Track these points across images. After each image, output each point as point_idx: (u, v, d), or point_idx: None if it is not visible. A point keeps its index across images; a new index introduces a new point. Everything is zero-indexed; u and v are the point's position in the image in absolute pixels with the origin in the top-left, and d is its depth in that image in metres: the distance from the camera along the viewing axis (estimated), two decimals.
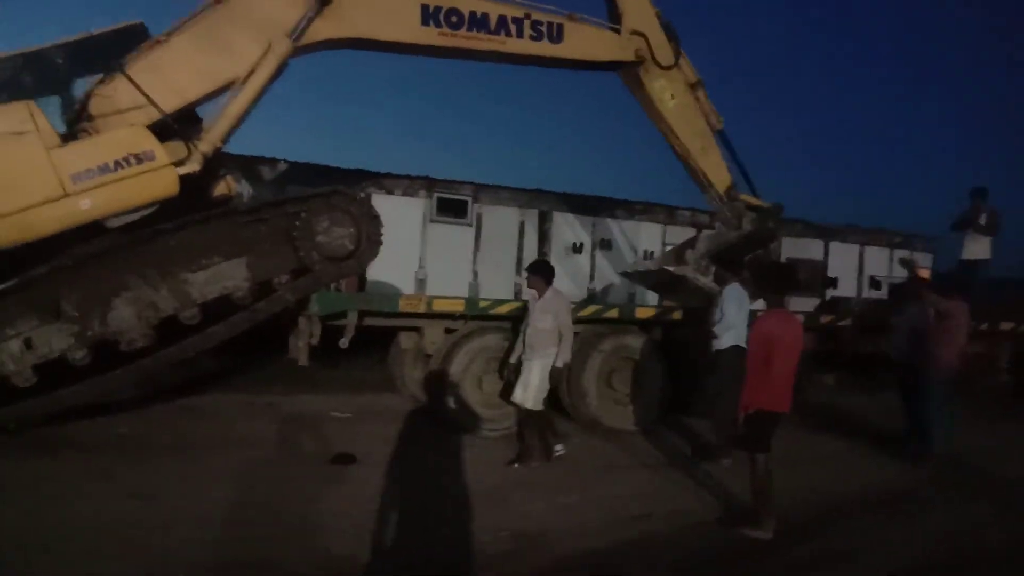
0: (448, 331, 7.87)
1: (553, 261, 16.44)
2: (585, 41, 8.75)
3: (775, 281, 5.29)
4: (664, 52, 8.95)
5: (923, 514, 5.95)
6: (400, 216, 15.33)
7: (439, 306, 7.61)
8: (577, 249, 16.79)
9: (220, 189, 8.00)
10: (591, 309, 8.21)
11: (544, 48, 8.63)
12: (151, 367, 6.75)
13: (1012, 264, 15.52)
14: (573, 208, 16.71)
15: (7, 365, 6.15)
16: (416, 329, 8.00)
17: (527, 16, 8.51)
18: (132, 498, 5.23)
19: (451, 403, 7.54)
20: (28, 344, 6.23)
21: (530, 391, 6.61)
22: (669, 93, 9.06)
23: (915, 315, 7.81)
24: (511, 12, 8.45)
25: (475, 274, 15.93)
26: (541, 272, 6.85)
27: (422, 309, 7.49)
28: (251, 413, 8.25)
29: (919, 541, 5.30)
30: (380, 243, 7.66)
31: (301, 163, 14.79)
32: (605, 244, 16.88)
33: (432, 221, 15.70)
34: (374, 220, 7.58)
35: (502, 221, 16.23)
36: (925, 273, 16.54)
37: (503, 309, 7.78)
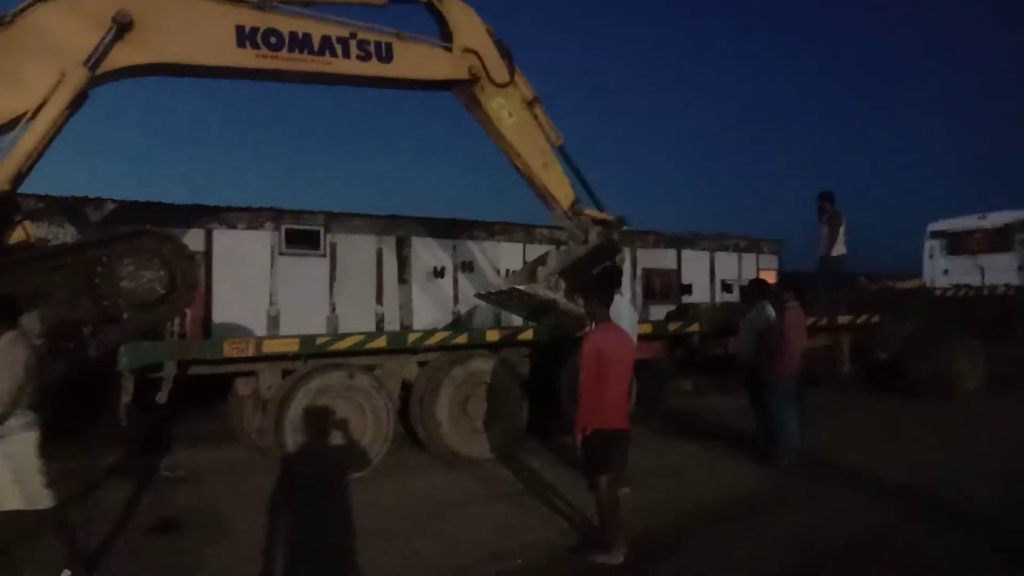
0: (287, 372, 7.30)
1: (415, 287, 16.27)
2: (416, 60, 8.48)
3: (602, 293, 5.13)
4: (498, 69, 8.82)
5: (778, 516, 5.95)
6: (246, 251, 14.58)
7: (270, 348, 7.01)
8: (439, 273, 16.54)
9: (16, 236, 7.12)
10: (439, 336, 7.85)
11: (374, 68, 8.28)
12: None
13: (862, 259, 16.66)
14: (432, 232, 16.45)
15: None
16: (251, 373, 7.36)
17: (353, 35, 8.13)
18: None
19: (290, 449, 6.95)
20: None
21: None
22: (507, 111, 8.93)
23: (755, 317, 7.99)
24: (335, 32, 8.04)
25: (333, 306, 15.31)
26: None
27: (251, 352, 6.86)
28: (70, 478, 7.32)
29: (775, 545, 5.26)
30: (195, 286, 7.01)
31: (130, 202, 13.76)
32: (467, 266, 16.71)
33: (281, 254, 14.98)
34: (188, 260, 6.91)
35: (358, 249, 15.73)
36: (769, 276, 17.47)
37: (343, 345, 7.28)
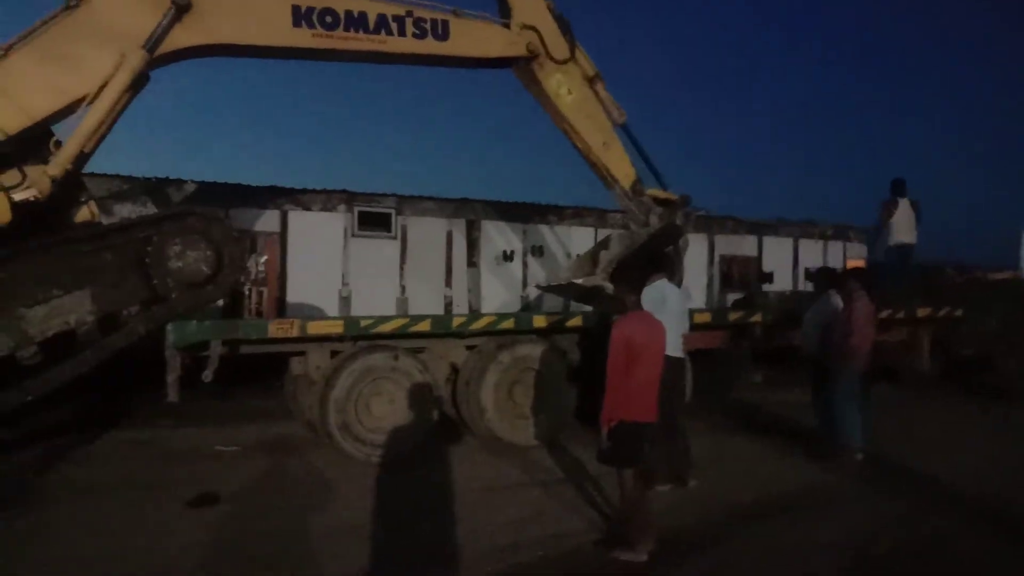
0: (335, 353, 7.31)
1: (484, 270, 16.20)
2: (473, 37, 8.31)
3: (632, 281, 4.84)
4: (558, 46, 8.57)
5: (823, 518, 5.57)
6: (319, 232, 14.84)
7: (315, 329, 7.02)
8: (508, 257, 16.41)
9: (82, 215, 7.39)
10: (485, 321, 7.70)
11: (429, 46, 8.17)
12: None
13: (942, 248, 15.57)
14: (502, 215, 16.32)
15: None
16: (303, 353, 7.42)
17: (409, 14, 8.04)
18: None
19: (335, 429, 6.97)
20: None
21: None
22: (566, 88, 8.67)
23: (821, 308, 7.49)
24: (391, 10, 7.96)
25: (403, 288, 15.42)
26: None
27: (295, 333, 6.90)
28: (130, 452, 7.62)
29: (812, 550, 4.89)
30: (243, 266, 7.09)
31: (210, 182, 14.20)
32: (537, 251, 16.51)
33: (354, 236, 15.18)
34: (235, 241, 6.99)
35: (428, 232, 15.76)
36: (859, 263, 16.49)
37: (388, 327, 7.23)
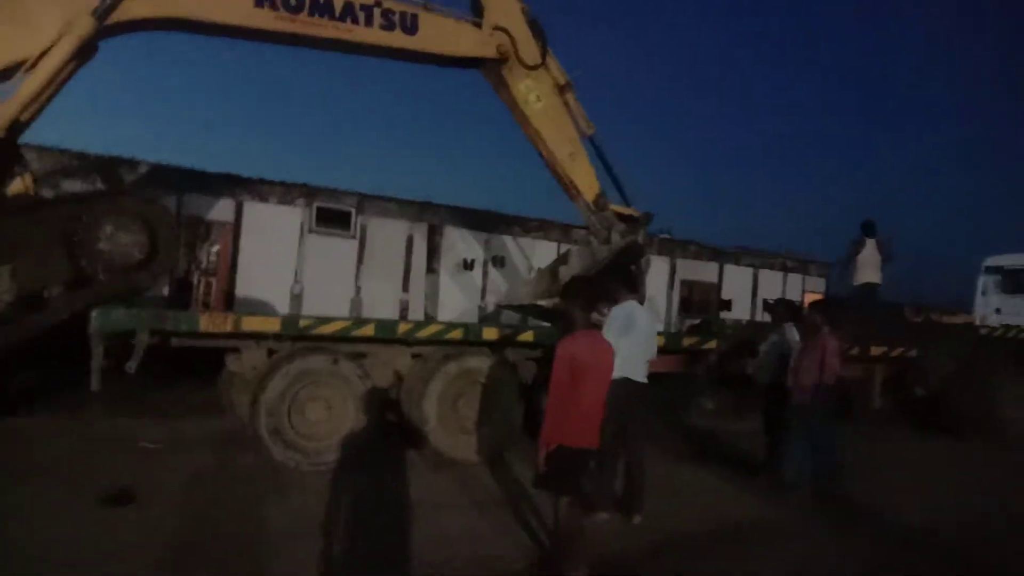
0: (272, 353, 6.92)
1: (443, 277, 15.88)
2: (442, 34, 8.07)
3: (581, 297, 4.55)
4: (529, 51, 8.37)
5: (769, 551, 5.34)
6: (275, 226, 14.42)
7: (250, 326, 6.61)
8: (469, 265, 16.14)
9: (15, 188, 6.93)
10: (432, 329, 7.36)
11: (397, 39, 7.90)
12: None
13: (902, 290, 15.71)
14: (466, 223, 16.06)
15: None
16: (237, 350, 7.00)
17: (378, 3, 7.78)
18: None
19: (264, 432, 6.57)
20: None
21: None
22: (535, 95, 8.47)
23: (778, 340, 7.35)
24: None
25: (358, 289, 15.04)
26: None
27: (229, 328, 6.48)
28: (57, 437, 7.20)
29: None
30: (177, 254, 6.68)
31: (164, 165, 13.72)
32: (499, 261, 16.29)
33: (311, 232, 14.77)
34: (169, 226, 6.59)
35: (389, 234, 15.44)
36: (817, 297, 16.54)
37: (328, 329, 6.85)
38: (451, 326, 7.44)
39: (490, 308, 15.70)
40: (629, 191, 8.93)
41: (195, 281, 14.32)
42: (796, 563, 5.19)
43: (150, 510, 5.39)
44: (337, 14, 7.63)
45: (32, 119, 6.85)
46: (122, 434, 7.55)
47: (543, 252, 16.12)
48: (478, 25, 8.23)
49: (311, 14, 7.53)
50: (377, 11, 7.78)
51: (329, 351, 6.85)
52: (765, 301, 17.50)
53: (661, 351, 7.84)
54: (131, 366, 6.21)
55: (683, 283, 17.46)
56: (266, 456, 6.64)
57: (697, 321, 12.52)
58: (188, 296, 13.95)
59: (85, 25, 6.55)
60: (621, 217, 8.69)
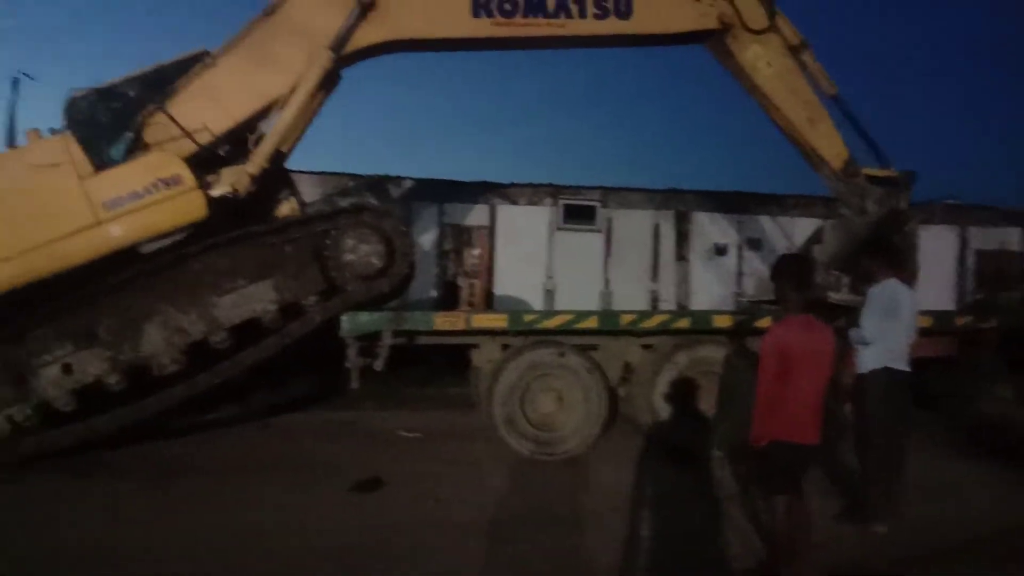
0: (505, 347, 7.18)
1: (694, 264, 15.33)
2: (658, 12, 7.76)
3: (794, 276, 4.03)
4: (755, 15, 7.74)
5: None
6: (526, 226, 14.97)
7: (479, 323, 6.92)
8: (721, 250, 15.40)
9: (283, 210, 7.93)
10: (657, 319, 7.10)
11: (611, 26, 7.77)
12: (182, 394, 6.68)
13: None
14: (716, 206, 15.36)
15: (47, 390, 6.38)
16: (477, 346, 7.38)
17: None
18: (127, 523, 5.15)
19: (500, 422, 6.83)
20: (66, 369, 6.43)
21: None
22: (764, 60, 7.81)
23: None
24: None
25: (607, 282, 15.08)
26: None
27: (461, 326, 6.85)
28: (322, 432, 8.10)
29: None
30: (412, 260, 7.18)
31: (426, 179, 14.88)
32: (754, 243, 15.32)
33: (559, 229, 15.11)
34: (404, 236, 7.11)
35: (634, 224, 15.27)
36: None
37: (552, 323, 6.93)
38: (678, 315, 7.18)
39: (749, 292, 14.85)
40: (890, 151, 7.85)
41: (460, 284, 15.41)
42: None
43: (394, 495, 5.86)
44: (551, 11, 7.66)
45: (291, 149, 7.78)
46: (381, 426, 8.31)
47: (804, 231, 14.82)
48: None
49: (525, 15, 7.64)
50: (589, 1, 7.69)
51: (557, 344, 6.93)
52: None
53: (930, 332, 6.82)
54: (379, 364, 6.82)
55: (978, 254, 15.03)
56: (503, 445, 6.90)
57: (980, 296, 10.66)
58: (455, 298, 15.01)
59: (324, 58, 7.24)
60: (876, 182, 7.68)
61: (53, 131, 6.71)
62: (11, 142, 6.71)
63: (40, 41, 44.37)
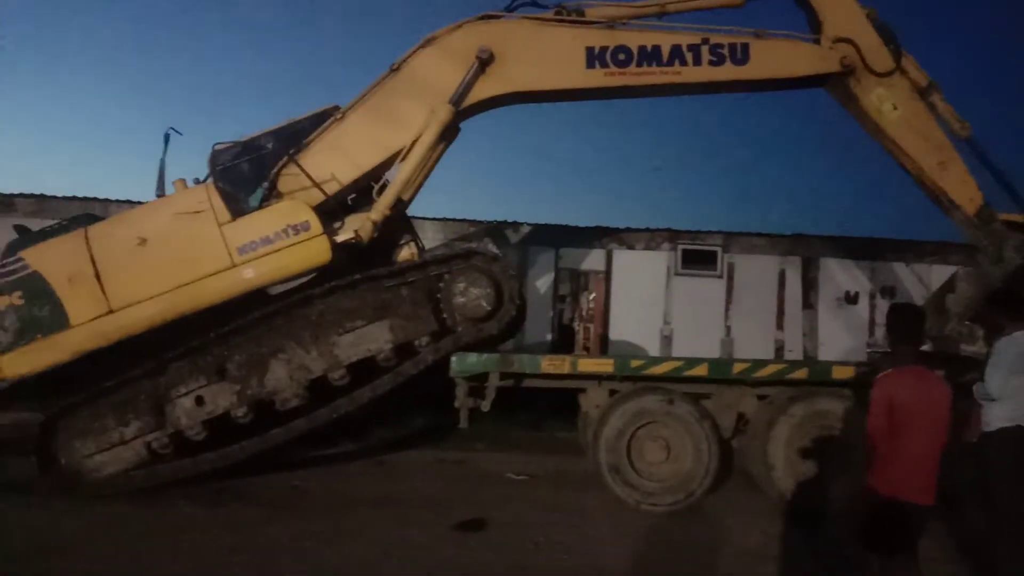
0: (613, 393, 7.16)
1: (822, 312, 14.67)
2: (776, 58, 7.68)
3: (903, 326, 3.83)
4: (879, 57, 7.50)
5: None
6: (642, 271, 14.88)
7: (585, 367, 6.95)
8: (852, 299, 14.66)
9: (403, 255, 8.30)
10: (772, 369, 6.87)
11: (727, 72, 7.75)
12: (304, 427, 7.05)
13: None
14: (845, 252, 14.69)
15: (181, 419, 6.92)
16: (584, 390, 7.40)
17: (705, 41, 7.73)
18: (232, 552, 5.46)
19: (605, 469, 6.78)
20: (199, 401, 6.96)
21: None
22: (890, 104, 7.54)
23: None
24: (686, 40, 7.74)
25: (727, 329, 14.68)
26: None
27: (566, 370, 6.90)
28: (433, 470, 8.31)
29: None
30: (520, 303, 7.33)
31: (541, 224, 15.15)
32: (887, 291, 14.50)
33: (677, 274, 14.90)
34: (512, 280, 7.29)
35: (758, 270, 14.83)
36: None
37: (659, 369, 6.85)
38: (794, 365, 6.91)
39: (880, 344, 14.01)
40: None
41: (576, 328, 15.47)
42: None
43: (497, 537, 5.93)
44: (665, 59, 7.71)
45: (412, 197, 8.17)
46: (489, 467, 8.42)
47: (941, 278, 13.93)
48: (816, 40, 7.64)
49: (639, 65, 7.74)
50: (705, 48, 7.71)
51: (665, 391, 6.84)
52: None
53: None
54: (485, 405, 6.97)
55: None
56: (610, 492, 6.84)
57: None
58: (570, 342, 15.07)
59: (444, 112, 7.59)
60: (1015, 227, 7.18)
61: (197, 181, 7.40)
62: (161, 191, 7.44)
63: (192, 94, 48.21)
